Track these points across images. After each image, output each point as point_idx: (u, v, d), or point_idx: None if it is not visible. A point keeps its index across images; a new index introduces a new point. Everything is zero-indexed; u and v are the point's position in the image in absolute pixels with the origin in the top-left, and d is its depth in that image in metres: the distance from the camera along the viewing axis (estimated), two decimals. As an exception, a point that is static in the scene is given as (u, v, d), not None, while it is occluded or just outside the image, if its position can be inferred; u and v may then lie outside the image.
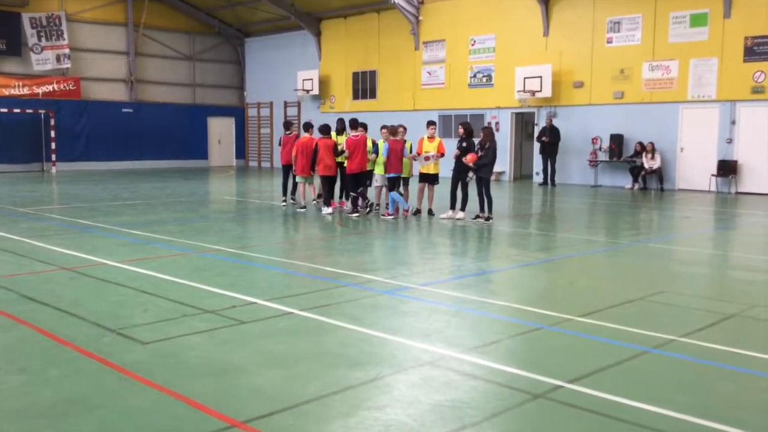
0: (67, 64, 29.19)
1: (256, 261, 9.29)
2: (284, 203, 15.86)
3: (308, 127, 15.22)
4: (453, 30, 25.86)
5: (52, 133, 28.47)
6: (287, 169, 15.76)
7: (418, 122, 19.58)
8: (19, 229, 11.81)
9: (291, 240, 11.99)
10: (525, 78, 23.13)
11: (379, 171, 13.96)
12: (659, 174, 20.78)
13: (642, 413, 4.20)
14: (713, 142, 20.22)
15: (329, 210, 14.15)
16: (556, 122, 22.93)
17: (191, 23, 33.39)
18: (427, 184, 13.92)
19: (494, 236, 11.85)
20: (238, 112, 35.25)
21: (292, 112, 32.59)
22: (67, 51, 29.06)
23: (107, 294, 7.25)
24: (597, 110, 22.44)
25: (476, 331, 6.06)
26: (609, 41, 21.99)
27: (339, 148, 14.17)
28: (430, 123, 14.20)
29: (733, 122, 19.80)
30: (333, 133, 14.79)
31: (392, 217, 13.55)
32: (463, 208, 13.36)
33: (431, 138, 13.77)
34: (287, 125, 16.38)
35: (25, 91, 28.42)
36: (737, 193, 19.79)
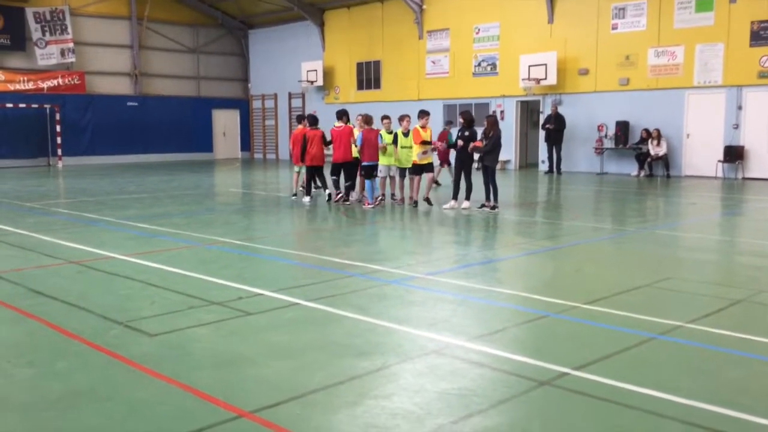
0: (71, 59, 29.22)
1: (262, 253, 9.30)
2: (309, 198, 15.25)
3: (301, 119, 15.65)
4: (457, 18, 25.75)
5: (58, 128, 28.52)
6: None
7: (426, 109, 19.44)
8: (26, 223, 11.86)
9: (297, 231, 12.01)
10: (530, 66, 23.02)
11: (382, 161, 13.94)
12: (665, 160, 20.68)
13: (649, 399, 4.20)
14: (719, 128, 20.11)
15: (308, 199, 14.63)
16: (561, 110, 22.84)
17: (195, 16, 33.35)
18: (423, 174, 13.81)
19: (500, 225, 11.84)
20: (242, 105, 35.24)
21: (296, 103, 32.58)
22: (71, 45, 29.09)
23: (114, 287, 7.28)
24: (602, 97, 22.33)
25: (482, 319, 6.07)
26: (614, 27, 21.86)
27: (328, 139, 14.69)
28: (423, 112, 14.05)
29: (740, 107, 19.68)
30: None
31: (372, 206, 13.65)
32: (468, 198, 13.34)
33: (424, 128, 13.78)
34: (313, 120, 16.01)
35: (30, 86, 28.48)
36: (744, 178, 19.70)
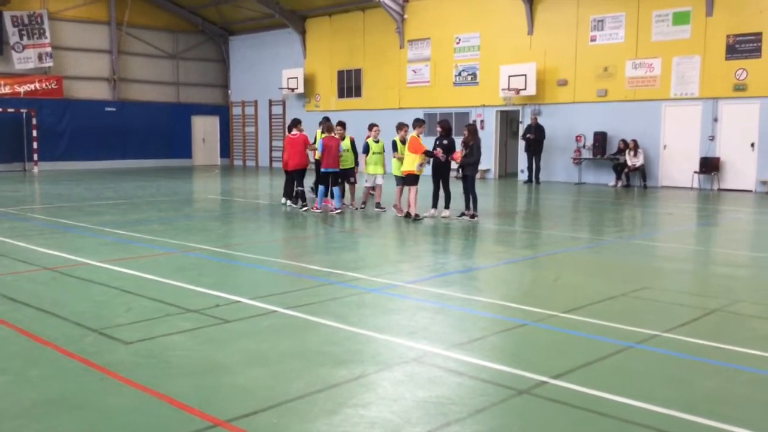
0: (49, 63, 28.91)
1: (241, 260, 9.24)
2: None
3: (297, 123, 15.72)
4: (438, 28, 25.89)
5: (34, 133, 28.18)
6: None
7: (404, 120, 19.49)
8: (0, 228, 11.68)
9: (275, 239, 11.95)
10: (510, 76, 23.19)
11: (372, 171, 13.94)
12: (642, 171, 20.90)
13: (626, 408, 4.21)
14: (696, 140, 20.37)
15: (286, 201, 15.13)
16: (540, 120, 23.02)
17: (174, 21, 33.18)
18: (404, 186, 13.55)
19: (479, 234, 11.87)
20: (222, 111, 35.08)
21: (277, 110, 32.50)
22: (49, 50, 28.79)
23: (90, 294, 7.18)
24: (581, 108, 22.54)
25: (461, 327, 6.06)
26: (592, 39, 22.10)
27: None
28: (419, 121, 13.52)
29: (716, 120, 19.96)
30: (318, 131, 14.96)
31: (320, 211, 14.01)
32: (447, 206, 13.36)
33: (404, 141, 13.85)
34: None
35: (7, 90, 28.13)
36: (719, 189, 19.96)
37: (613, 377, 4.78)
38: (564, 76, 22.79)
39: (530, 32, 23.36)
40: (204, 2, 31.95)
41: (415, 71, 26.82)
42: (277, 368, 4.92)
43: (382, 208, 14.31)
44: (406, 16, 26.78)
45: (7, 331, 5.80)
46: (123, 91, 31.65)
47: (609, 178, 22.02)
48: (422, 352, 5.28)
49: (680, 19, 20.28)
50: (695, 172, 20.30)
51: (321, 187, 14.32)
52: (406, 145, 13.32)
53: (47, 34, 28.72)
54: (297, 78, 30.33)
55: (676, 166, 20.84)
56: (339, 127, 14.42)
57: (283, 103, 32.01)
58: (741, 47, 19.21)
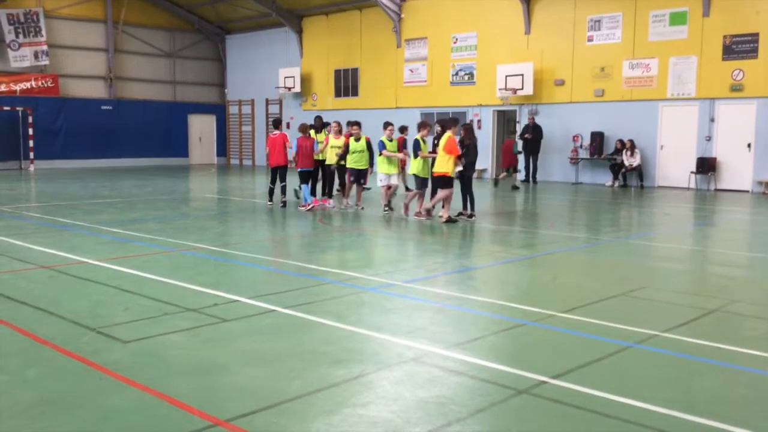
0: (45, 61, 28.84)
1: (238, 259, 9.21)
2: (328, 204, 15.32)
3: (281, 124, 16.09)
4: (435, 28, 25.87)
5: (30, 131, 28.11)
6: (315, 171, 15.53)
7: (401, 120, 19.52)
8: (-4, 227, 11.65)
9: (273, 238, 11.93)
10: (507, 76, 23.19)
11: (387, 170, 13.81)
12: (639, 171, 20.92)
13: (626, 408, 4.21)
14: (692, 140, 20.40)
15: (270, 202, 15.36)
16: (537, 120, 23.02)
17: (171, 20, 33.12)
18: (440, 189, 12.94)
19: (477, 233, 11.86)
20: (219, 110, 35.03)
21: (273, 109, 32.46)
22: (45, 48, 28.71)
23: (87, 293, 7.15)
24: (578, 108, 22.55)
25: (460, 327, 6.06)
26: (590, 39, 22.10)
27: (319, 146, 15.12)
28: (424, 124, 13.29)
29: (712, 120, 19.98)
30: (311, 131, 15.21)
31: (305, 209, 14.17)
32: (473, 207, 13.26)
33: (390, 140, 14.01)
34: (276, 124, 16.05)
35: (2, 88, 28.04)
36: (716, 190, 19.98)
37: (613, 377, 4.78)
38: (561, 76, 22.79)
39: (527, 32, 23.36)
40: (201, 1, 31.92)
41: (412, 71, 26.80)
42: (276, 368, 4.90)
43: (391, 209, 13.80)
44: (403, 16, 26.76)
45: (4, 330, 5.77)
46: (119, 90, 31.58)
47: (606, 178, 22.04)
48: (421, 351, 5.27)
49: (677, 19, 20.30)
50: (692, 172, 20.33)
51: (304, 186, 14.54)
52: (440, 144, 12.46)
53: (43, 32, 28.63)
54: (294, 77, 30.29)
55: (673, 166, 20.86)
56: (355, 127, 14.28)
57: (280, 102, 31.97)
58: (738, 48, 19.24)
